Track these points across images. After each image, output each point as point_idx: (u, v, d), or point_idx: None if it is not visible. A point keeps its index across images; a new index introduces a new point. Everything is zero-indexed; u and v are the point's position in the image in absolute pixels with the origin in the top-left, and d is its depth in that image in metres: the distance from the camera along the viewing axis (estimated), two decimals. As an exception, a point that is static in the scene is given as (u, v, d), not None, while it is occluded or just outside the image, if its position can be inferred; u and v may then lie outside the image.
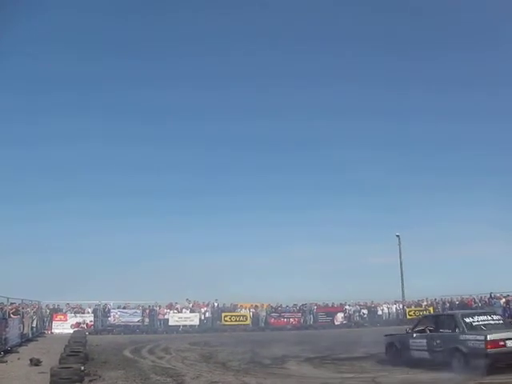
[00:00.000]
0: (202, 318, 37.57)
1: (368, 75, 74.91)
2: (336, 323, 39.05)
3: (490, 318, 14.10)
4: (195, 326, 36.67)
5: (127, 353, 20.60)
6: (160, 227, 65.25)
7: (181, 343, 24.95)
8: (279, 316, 38.71)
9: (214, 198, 70.76)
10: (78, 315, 35.85)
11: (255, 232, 63.96)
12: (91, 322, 35.70)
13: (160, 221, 66.55)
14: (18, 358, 17.78)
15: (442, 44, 74.06)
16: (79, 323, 34.98)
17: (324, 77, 75.62)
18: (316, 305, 40.72)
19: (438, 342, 13.98)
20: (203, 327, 36.20)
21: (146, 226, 65.94)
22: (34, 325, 30.52)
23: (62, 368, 11.93)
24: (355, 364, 15.56)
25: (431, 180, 66.90)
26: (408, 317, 40.81)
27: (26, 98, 68.69)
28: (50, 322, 35.00)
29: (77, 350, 15.80)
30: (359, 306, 41.85)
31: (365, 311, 41.40)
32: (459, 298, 41.09)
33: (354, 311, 41.16)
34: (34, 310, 31.82)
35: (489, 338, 12.39)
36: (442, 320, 14.96)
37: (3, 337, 19.64)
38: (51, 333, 33.60)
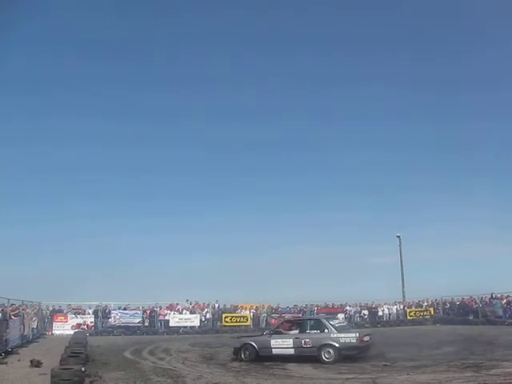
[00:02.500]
0: (203, 319, 37.55)
1: (368, 77, 74.98)
2: (336, 324, 38.99)
3: (340, 321, 19.13)
4: (196, 327, 36.65)
5: (128, 354, 20.61)
6: (161, 228, 65.40)
7: (181, 344, 24.97)
8: (280, 317, 38.63)
9: (214, 200, 70.85)
10: (78, 316, 35.81)
11: (256, 233, 64.04)
12: (92, 323, 35.68)
13: (160, 222, 66.73)
14: (19, 360, 17.80)
15: (442, 44, 74.18)
16: (80, 324, 34.97)
17: (324, 78, 75.57)
18: (316, 305, 40.70)
19: (306, 340, 16.97)
20: (204, 328, 36.19)
21: (147, 227, 66.05)
22: (35, 326, 30.54)
23: (63, 369, 11.92)
24: (355, 365, 15.53)
25: (432, 180, 67.05)
26: (409, 317, 40.85)
27: (26, 98, 68.93)
28: (51, 323, 35.00)
29: (77, 351, 15.79)
30: (360, 306, 41.84)
31: (365, 312, 41.39)
32: (460, 299, 41.06)
33: (355, 312, 41.14)
34: (35, 311, 31.84)
35: (358, 335, 16.60)
36: (307, 323, 18.08)
37: (4, 338, 19.66)
38: (52, 334, 33.61)
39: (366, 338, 17.11)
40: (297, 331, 17.66)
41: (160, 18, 72.88)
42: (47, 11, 66.19)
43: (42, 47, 70.72)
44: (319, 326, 17.36)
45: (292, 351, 17.09)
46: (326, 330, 16.96)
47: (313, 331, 17.25)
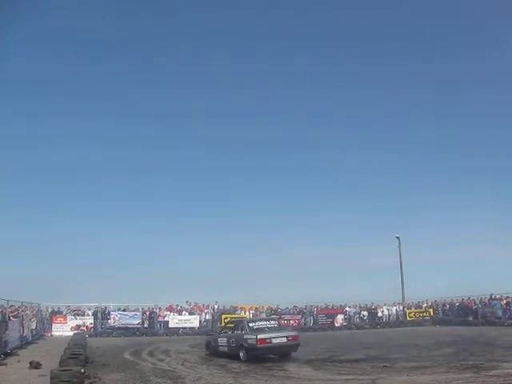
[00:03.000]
0: (202, 320, 37.54)
1: (368, 77, 75.09)
2: (336, 325, 39.05)
3: (268, 323, 19.86)
4: (195, 328, 36.61)
5: (127, 355, 20.59)
6: (160, 229, 65.37)
7: (181, 345, 24.95)
8: (279, 318, 38.62)
9: (214, 201, 70.88)
10: (77, 317, 35.77)
11: (255, 234, 64.06)
12: (91, 324, 35.63)
13: (160, 223, 66.69)
14: (18, 361, 17.78)
15: (442, 45, 74.22)
16: (79, 325, 34.93)
17: (325, 79, 75.60)
18: (316, 307, 40.69)
19: (232, 340, 19.02)
20: (203, 329, 36.13)
21: (146, 228, 66.07)
22: (34, 327, 30.51)
23: (62, 371, 11.91)
24: (355, 366, 15.55)
25: (431, 181, 67.07)
26: (408, 318, 40.85)
27: (26, 99, 68.89)
28: (50, 324, 34.98)
29: (77, 353, 15.77)
30: (359, 307, 41.83)
31: (365, 313, 41.37)
32: (459, 300, 41.08)
33: (355, 313, 41.15)
34: (34, 312, 31.80)
35: (258, 337, 17.74)
36: (237, 324, 20.06)
37: (3, 339, 19.63)
38: (51, 335, 33.59)
39: (277, 340, 18.04)
40: (231, 331, 20.01)
41: (160, 18, 73.11)
42: (47, 11, 66.23)
43: (42, 47, 70.81)
44: (242, 326, 19.20)
45: (226, 349, 19.44)
46: (243, 331, 18.79)
47: (237, 332, 19.26)
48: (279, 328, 19.71)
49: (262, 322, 19.93)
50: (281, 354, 18.29)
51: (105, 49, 74.28)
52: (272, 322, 20.18)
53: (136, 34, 72.24)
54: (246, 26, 77.12)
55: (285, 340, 18.20)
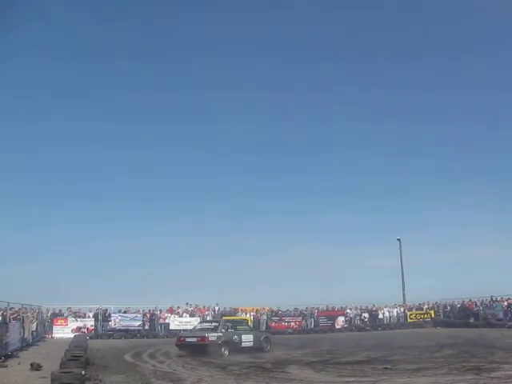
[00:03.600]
0: (203, 322, 37.49)
1: (370, 78, 75.34)
2: (337, 327, 39.06)
3: (210, 324, 23.34)
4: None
5: (128, 357, 20.56)
6: (161, 231, 65.37)
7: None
8: (280, 320, 38.68)
9: (214, 202, 70.89)
10: (78, 319, 35.80)
11: (256, 236, 64.16)
12: (92, 326, 35.66)
13: (161, 224, 66.68)
14: (19, 363, 17.74)
15: (443, 46, 74.25)
16: (80, 327, 34.95)
17: (326, 80, 75.78)
18: (317, 309, 40.66)
19: None
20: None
21: (147, 230, 66.04)
22: (35, 329, 30.49)
23: (63, 372, 11.89)
24: (356, 368, 15.52)
25: (432, 183, 67.20)
26: (409, 320, 40.84)
27: (26, 101, 68.99)
28: (51, 326, 34.98)
29: (78, 355, 15.75)
30: (360, 309, 41.82)
31: (366, 315, 41.37)
32: (460, 302, 41.05)
33: (355, 315, 41.14)
34: (35, 314, 31.79)
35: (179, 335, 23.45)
36: None
37: (4, 341, 19.60)
38: (52, 337, 33.59)
39: (189, 339, 21.61)
40: None
41: (159, 19, 73.07)
42: (48, 14, 66.33)
43: (42, 49, 70.94)
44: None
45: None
46: None
47: None
48: (213, 329, 22.01)
49: (207, 324, 24.01)
50: (193, 352, 20.50)
51: (105, 50, 74.36)
52: (213, 324, 23.21)
53: (137, 37, 72.54)
54: (244, 26, 77.47)
55: (195, 340, 21.25)
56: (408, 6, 74.31)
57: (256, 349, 22.44)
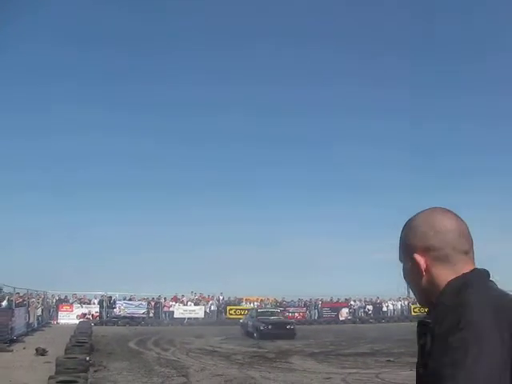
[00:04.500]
0: (207, 310, 37.68)
1: (376, 74, 74.82)
2: (341, 319, 39.08)
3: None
4: (200, 318, 36.74)
5: (132, 344, 20.71)
6: (166, 220, 65.53)
7: (186, 336, 25.02)
8: (284, 310, 38.71)
9: (220, 192, 70.92)
10: (83, 306, 35.99)
11: (261, 227, 64.31)
12: (97, 312, 35.83)
13: (167, 213, 66.80)
14: (24, 348, 17.92)
15: (448, 46, 73.85)
16: (85, 314, 35.11)
17: (331, 75, 75.46)
18: (321, 300, 40.74)
19: None
20: (208, 320, 36.28)
21: (154, 219, 66.18)
22: (40, 314, 30.71)
23: (68, 358, 12.00)
24: (359, 360, 15.59)
25: (435, 179, 67.07)
26: (413, 313, 40.83)
27: (28, 89, 69.12)
28: (56, 312, 35.19)
29: (82, 341, 15.91)
30: (364, 301, 41.86)
31: (370, 307, 41.40)
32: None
33: (359, 307, 41.19)
34: (40, 300, 32.02)
35: None
36: None
37: (9, 326, 19.80)
38: (57, 323, 33.80)
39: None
40: None
41: (162, 13, 72.77)
42: (50, 3, 66.27)
43: (44, 38, 70.93)
44: None
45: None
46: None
47: None
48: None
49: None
50: None
51: (106, 39, 74.13)
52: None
53: (139, 27, 71.97)
54: (245, 19, 76.91)
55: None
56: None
57: None
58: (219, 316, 37.62)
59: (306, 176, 74.14)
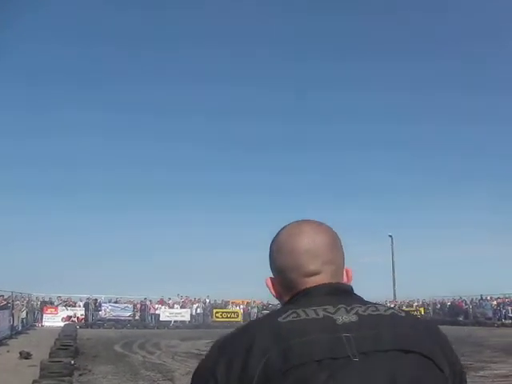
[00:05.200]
0: (194, 313, 37.58)
1: (371, 77, 74.99)
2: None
3: None
4: (186, 321, 36.65)
5: (118, 347, 20.57)
6: (153, 223, 65.43)
7: (171, 339, 24.91)
8: (269, 314, 38.70)
9: (209, 196, 70.94)
10: (68, 308, 35.74)
11: (244, 231, 64.45)
12: (82, 315, 35.58)
13: (153, 216, 66.72)
14: (8, 351, 17.74)
15: (445, 45, 74.30)
16: (70, 316, 34.86)
17: (330, 79, 75.52)
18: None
19: None
20: (194, 323, 36.20)
21: (140, 222, 66.09)
22: (24, 317, 30.46)
23: (52, 362, 11.90)
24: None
25: (424, 182, 67.61)
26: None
27: (27, 90, 68.73)
28: (41, 314, 34.91)
29: (67, 344, 15.80)
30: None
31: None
32: (450, 300, 41.29)
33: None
34: (24, 302, 31.75)
35: None
36: None
37: (-7, 329, 19.64)
38: (42, 326, 33.52)
39: None
40: None
41: (160, 10, 72.66)
42: (50, 4, 66.05)
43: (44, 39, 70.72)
44: None
45: None
46: None
47: None
48: None
49: None
50: None
51: (108, 40, 73.97)
52: None
53: (139, 27, 72.01)
54: (246, 21, 77.00)
55: None
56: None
57: None
58: (205, 319, 37.53)
59: (291, 180, 74.68)
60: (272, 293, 1.36)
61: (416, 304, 43.23)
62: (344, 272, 1.36)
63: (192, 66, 73.19)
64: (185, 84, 74.53)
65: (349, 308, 1.20)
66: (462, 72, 71.41)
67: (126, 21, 69.88)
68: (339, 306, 1.20)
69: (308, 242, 1.29)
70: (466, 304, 39.65)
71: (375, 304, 1.24)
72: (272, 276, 1.35)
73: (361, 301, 1.25)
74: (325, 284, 1.26)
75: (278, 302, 1.41)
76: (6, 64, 57.02)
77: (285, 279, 1.31)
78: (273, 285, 1.35)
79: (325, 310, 1.19)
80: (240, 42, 76.57)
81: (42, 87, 71.98)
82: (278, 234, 1.36)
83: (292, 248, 1.29)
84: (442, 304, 42.09)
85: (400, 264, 47.98)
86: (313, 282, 1.27)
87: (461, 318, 37.52)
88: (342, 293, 1.26)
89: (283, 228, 1.36)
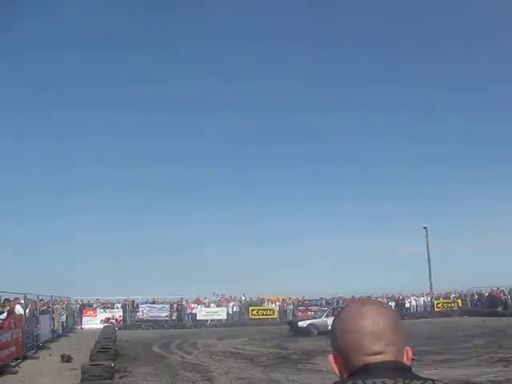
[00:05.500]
0: (230, 311, 37.72)
1: (394, 69, 74.04)
2: (363, 316, 38.87)
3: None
4: (222, 320, 36.82)
5: (156, 348, 20.81)
6: (186, 220, 65.76)
7: (209, 338, 25.08)
8: (306, 309, 38.64)
9: (239, 192, 71.04)
10: (107, 310, 36.27)
11: (282, 225, 64.43)
12: (120, 317, 36.08)
13: (186, 213, 67.05)
14: (50, 355, 18.12)
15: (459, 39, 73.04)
16: (108, 318, 35.37)
17: (344, 72, 74.86)
18: (343, 298, 40.61)
19: None
20: (231, 321, 36.36)
21: (173, 220, 66.46)
22: (64, 320, 30.99)
23: (93, 365, 12.12)
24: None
25: (459, 172, 66.55)
26: (436, 309, 40.54)
27: (30, 92, 69.65)
28: (80, 317, 35.51)
29: (107, 346, 16.04)
30: (387, 298, 41.67)
31: (392, 304, 41.19)
32: (488, 290, 40.67)
33: (381, 304, 40.95)
34: (64, 306, 32.31)
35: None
36: None
37: (35, 333, 20.03)
38: (81, 328, 34.11)
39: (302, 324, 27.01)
40: None
41: (164, 10, 72.92)
42: (56, 6, 66.79)
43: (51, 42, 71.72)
44: None
45: None
46: None
47: None
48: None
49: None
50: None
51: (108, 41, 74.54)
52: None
53: (142, 27, 72.27)
54: (247, 16, 76.77)
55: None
56: None
57: None
58: (241, 317, 37.65)
59: (326, 173, 74.24)
60: (333, 369, 1.41)
61: (453, 295, 42.72)
62: (404, 352, 1.41)
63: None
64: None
65: (407, 381, 1.28)
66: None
67: (129, 22, 70.39)
68: (397, 379, 1.28)
69: (372, 325, 1.36)
70: (504, 294, 39.00)
71: (434, 380, 1.32)
72: (333, 352, 1.41)
73: (419, 377, 1.33)
74: (384, 361, 1.33)
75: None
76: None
77: (347, 357, 1.36)
78: (334, 360, 1.40)
79: (383, 382, 1.27)
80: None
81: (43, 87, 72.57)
82: (340, 313, 1.45)
83: (356, 329, 1.36)
84: (480, 295, 41.47)
85: (436, 255, 47.37)
86: (374, 359, 1.33)
87: (499, 309, 36.93)
88: (400, 369, 1.33)
89: (346, 308, 1.46)
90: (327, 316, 26.74)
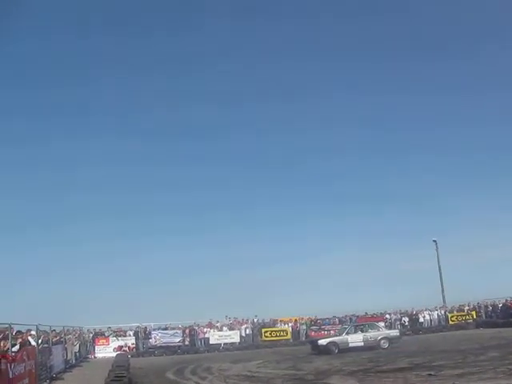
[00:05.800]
0: (243, 334, 37.48)
1: (402, 81, 74.28)
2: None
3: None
4: (236, 343, 36.59)
5: (170, 374, 20.68)
6: (197, 245, 65.70)
7: (222, 362, 24.92)
8: (319, 329, 38.37)
9: (251, 212, 71.06)
10: (119, 338, 36.16)
11: (291, 244, 64.35)
12: (133, 344, 35.97)
13: (197, 238, 67.01)
14: (64, 386, 18.03)
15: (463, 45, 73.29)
16: (121, 346, 35.28)
17: (348, 84, 75.23)
18: (356, 315, 40.31)
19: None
20: (244, 344, 36.14)
21: (181, 244, 66.43)
22: (77, 350, 30.85)
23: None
24: (399, 376, 15.30)
25: (467, 184, 66.43)
26: (451, 322, 40.18)
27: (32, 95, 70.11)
28: (93, 346, 35.39)
29: (120, 375, 15.97)
30: (400, 313, 41.37)
31: (406, 319, 40.87)
32: (502, 301, 40.28)
33: (395, 319, 40.66)
34: (76, 335, 32.20)
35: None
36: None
37: (48, 364, 19.92)
38: (94, 357, 33.98)
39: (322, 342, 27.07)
40: None
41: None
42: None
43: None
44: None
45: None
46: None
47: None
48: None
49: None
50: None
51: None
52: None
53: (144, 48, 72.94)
54: (250, 33, 77.48)
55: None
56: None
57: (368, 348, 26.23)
58: (255, 339, 37.39)
59: (334, 189, 74.20)
60: None
61: (467, 308, 42.33)
62: None
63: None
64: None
65: None
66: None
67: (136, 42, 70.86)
68: None
69: None
70: (518, 305, 38.65)
71: None
72: None
73: None
74: None
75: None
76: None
77: None
78: None
79: None
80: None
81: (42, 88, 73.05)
82: None
83: None
84: (494, 306, 41.09)
85: (447, 268, 47.09)
86: None
87: (514, 320, 36.53)
88: None
89: None
90: (348, 333, 27.22)
